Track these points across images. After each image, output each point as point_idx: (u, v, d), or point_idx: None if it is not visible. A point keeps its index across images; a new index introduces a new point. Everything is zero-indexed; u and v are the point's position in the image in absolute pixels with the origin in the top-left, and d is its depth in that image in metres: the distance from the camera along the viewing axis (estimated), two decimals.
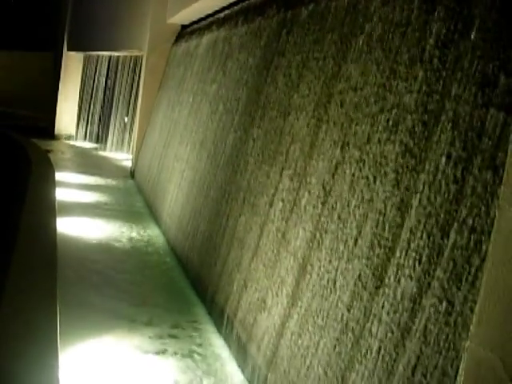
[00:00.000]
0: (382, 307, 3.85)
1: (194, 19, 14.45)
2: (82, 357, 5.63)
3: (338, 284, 4.43)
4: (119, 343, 6.05)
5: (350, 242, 4.40)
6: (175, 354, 5.97)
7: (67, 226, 10.35)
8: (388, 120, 4.39)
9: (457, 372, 3.07)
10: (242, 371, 5.66)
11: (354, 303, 4.16)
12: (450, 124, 3.71)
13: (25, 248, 7.60)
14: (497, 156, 3.26)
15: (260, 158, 6.69)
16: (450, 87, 3.80)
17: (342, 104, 5.14)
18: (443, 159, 3.68)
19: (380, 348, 3.77)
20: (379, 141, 4.42)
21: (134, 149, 17.07)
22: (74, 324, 6.10)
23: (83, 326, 6.26)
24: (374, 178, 4.34)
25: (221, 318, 6.57)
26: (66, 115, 24.69)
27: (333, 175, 4.93)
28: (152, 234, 11.02)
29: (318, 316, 4.58)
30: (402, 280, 3.73)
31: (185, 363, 5.80)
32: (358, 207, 4.43)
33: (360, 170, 4.55)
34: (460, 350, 3.13)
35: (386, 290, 3.85)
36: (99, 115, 24.11)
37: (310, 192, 5.24)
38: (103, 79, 24.13)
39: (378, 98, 4.63)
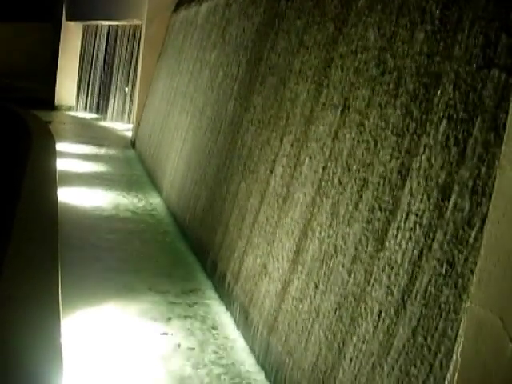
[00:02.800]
0: (383, 270, 3.85)
1: None
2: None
3: (338, 248, 4.43)
4: (122, 309, 6.08)
5: (351, 206, 4.40)
6: (178, 317, 6.01)
7: (68, 196, 10.35)
8: (389, 83, 4.36)
9: (457, 333, 3.08)
10: (244, 336, 5.69)
11: (355, 267, 4.16)
12: (451, 86, 3.68)
13: (26, 218, 7.61)
14: (498, 117, 3.24)
15: (260, 124, 6.66)
16: (452, 49, 3.77)
17: (343, 68, 5.10)
18: (444, 121, 3.66)
19: (380, 311, 3.78)
20: (380, 104, 4.39)
21: (135, 118, 17.01)
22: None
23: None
24: (375, 141, 4.31)
25: (222, 283, 6.59)
26: (66, 86, 24.57)
27: (333, 140, 4.91)
28: (153, 202, 11.03)
29: (318, 280, 4.58)
30: (403, 243, 3.72)
31: (186, 326, 5.84)
32: (359, 171, 4.42)
33: (360, 134, 4.52)
34: (460, 311, 3.13)
35: (387, 253, 3.85)
36: (99, 85, 23.99)
37: (310, 157, 5.22)
38: (103, 49, 23.98)
39: (378, 61, 4.59)
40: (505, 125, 3.06)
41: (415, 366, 3.37)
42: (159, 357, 5.23)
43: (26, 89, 27.66)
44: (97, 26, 24.07)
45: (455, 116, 3.58)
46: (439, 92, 3.78)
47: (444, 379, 3.06)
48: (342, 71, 5.10)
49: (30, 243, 6.75)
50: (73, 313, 5.71)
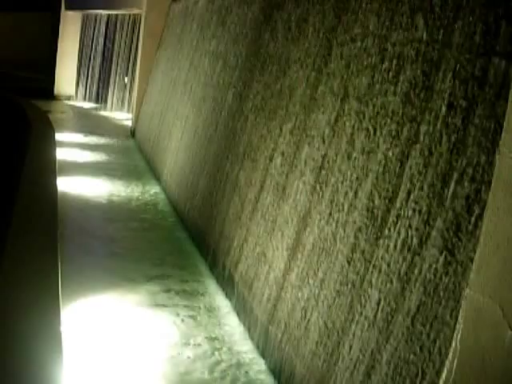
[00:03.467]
0: (382, 258, 3.85)
1: None
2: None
3: (338, 236, 4.42)
4: (121, 300, 6.09)
5: (350, 194, 4.39)
6: (177, 306, 6.03)
7: (68, 185, 10.34)
8: (388, 71, 4.35)
9: (456, 321, 3.07)
10: (244, 324, 5.70)
11: (354, 255, 4.16)
12: (451, 73, 3.67)
13: (25, 206, 7.61)
14: (498, 104, 3.23)
15: (260, 112, 6.64)
16: (452, 36, 3.75)
17: (342, 56, 5.08)
18: (444, 109, 3.65)
19: (380, 299, 3.78)
20: (379, 92, 4.38)
21: (134, 108, 16.99)
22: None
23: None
24: (374, 129, 4.30)
25: (222, 272, 6.59)
26: (66, 76, 24.53)
27: (333, 128, 4.90)
28: (152, 191, 11.02)
29: (318, 268, 4.58)
30: (402, 231, 3.72)
31: (185, 314, 5.85)
32: (358, 159, 4.41)
33: (360, 122, 4.51)
34: (459, 299, 3.13)
35: (386, 241, 3.85)
36: (99, 75, 23.94)
37: (310, 145, 5.21)
38: (102, 39, 23.91)
39: (378, 48, 4.58)
40: (504, 112, 3.05)
41: (414, 353, 3.38)
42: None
43: (25, 78, 27.64)
44: (96, 15, 24.00)
45: (455, 103, 3.57)
46: (439, 79, 3.77)
47: (443, 366, 3.06)
48: (341, 59, 5.09)
49: (30, 231, 6.75)
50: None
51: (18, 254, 5.86)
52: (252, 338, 5.44)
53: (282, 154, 5.72)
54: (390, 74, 4.31)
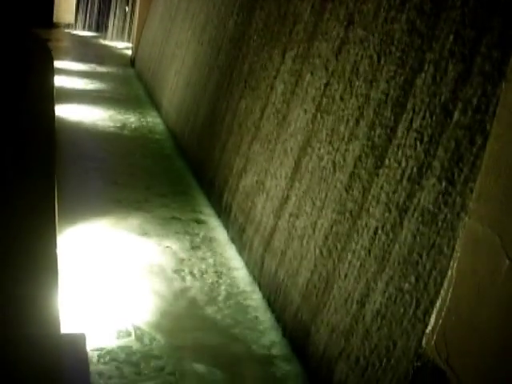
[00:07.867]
0: (381, 188, 3.82)
1: None
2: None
3: (337, 165, 4.39)
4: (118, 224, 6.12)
5: (351, 123, 4.33)
6: (176, 232, 6.07)
7: (67, 113, 10.27)
8: None
9: (453, 251, 3.06)
10: (240, 253, 5.71)
11: (353, 184, 4.13)
12: (460, 1, 3.57)
13: (24, 132, 7.56)
14: (506, 34, 3.15)
15: (262, 40, 6.52)
16: None
17: None
18: (451, 37, 3.57)
19: (377, 228, 3.77)
20: (385, 19, 4.28)
21: (135, 37, 16.76)
22: None
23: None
24: (379, 57, 4.22)
25: (219, 201, 6.58)
26: (65, 3, 24.10)
27: (336, 56, 4.81)
28: (152, 120, 10.95)
29: (316, 197, 4.56)
30: (403, 160, 3.68)
31: (185, 240, 5.88)
32: (361, 87, 4.34)
33: (364, 50, 4.43)
34: (458, 229, 3.11)
35: (386, 171, 3.81)
36: (99, 3, 23.55)
37: (312, 73, 5.13)
38: None
39: None
40: None
41: (409, 283, 3.38)
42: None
43: (23, 6, 27.14)
44: None
45: (462, 32, 3.49)
46: (447, 7, 3.67)
47: (438, 295, 3.06)
48: None
49: (28, 156, 6.72)
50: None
51: (17, 176, 5.85)
52: (248, 266, 5.46)
53: (284, 81, 5.64)
54: (397, 0, 4.21)
